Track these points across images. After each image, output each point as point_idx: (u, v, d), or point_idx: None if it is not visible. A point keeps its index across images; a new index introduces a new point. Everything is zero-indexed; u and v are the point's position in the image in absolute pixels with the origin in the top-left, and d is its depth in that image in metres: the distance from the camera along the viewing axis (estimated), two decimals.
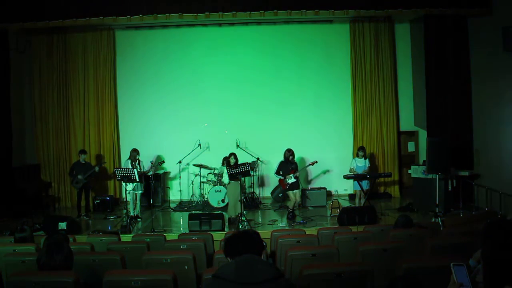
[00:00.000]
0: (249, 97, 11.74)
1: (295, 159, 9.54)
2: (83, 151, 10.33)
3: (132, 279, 3.58)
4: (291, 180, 9.20)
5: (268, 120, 11.70)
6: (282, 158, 9.49)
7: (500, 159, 9.45)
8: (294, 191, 9.31)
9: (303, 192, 10.37)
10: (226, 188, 9.68)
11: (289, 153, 9.34)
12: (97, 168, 10.16)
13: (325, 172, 11.68)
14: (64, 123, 11.57)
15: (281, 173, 9.33)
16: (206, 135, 11.65)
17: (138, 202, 9.63)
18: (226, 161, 9.90)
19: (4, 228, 8.12)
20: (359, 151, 9.97)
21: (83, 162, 10.13)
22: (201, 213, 9.16)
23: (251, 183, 11.08)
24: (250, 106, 11.71)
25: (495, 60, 9.44)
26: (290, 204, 9.45)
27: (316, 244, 5.38)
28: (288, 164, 9.32)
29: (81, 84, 11.63)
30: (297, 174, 9.27)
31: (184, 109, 11.77)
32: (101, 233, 7.83)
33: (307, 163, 10.12)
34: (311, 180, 11.79)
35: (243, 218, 8.48)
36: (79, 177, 9.88)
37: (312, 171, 11.63)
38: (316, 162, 9.83)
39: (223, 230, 8.06)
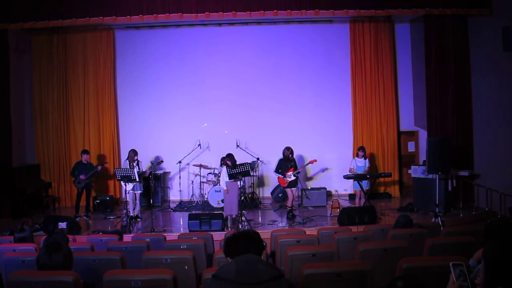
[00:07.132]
0: (249, 97, 11.74)
1: (293, 157, 9.57)
2: (85, 151, 10.34)
3: (132, 279, 3.57)
4: (290, 178, 9.24)
5: (268, 120, 11.71)
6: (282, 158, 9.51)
7: (500, 159, 9.44)
8: (292, 188, 9.39)
9: (303, 192, 10.42)
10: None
11: (288, 151, 9.36)
12: (99, 168, 10.18)
13: (324, 170, 11.70)
14: (64, 123, 11.57)
15: (280, 171, 9.37)
16: (206, 135, 11.65)
17: (138, 202, 9.63)
18: (224, 161, 9.89)
19: (4, 228, 8.12)
20: (359, 151, 9.97)
21: (85, 162, 10.14)
22: (201, 213, 9.15)
23: (251, 183, 11.08)
24: (250, 106, 11.72)
25: (495, 60, 9.44)
26: (288, 202, 9.52)
27: (316, 244, 5.38)
28: (287, 162, 9.35)
29: (81, 84, 11.63)
30: (297, 172, 9.29)
31: (184, 109, 11.78)
32: (101, 233, 7.83)
33: (306, 162, 10.15)
34: (310, 177, 11.79)
35: (243, 218, 8.49)
36: (81, 177, 9.88)
37: (312, 169, 11.64)
38: (316, 161, 9.87)
39: (223, 230, 8.07)
